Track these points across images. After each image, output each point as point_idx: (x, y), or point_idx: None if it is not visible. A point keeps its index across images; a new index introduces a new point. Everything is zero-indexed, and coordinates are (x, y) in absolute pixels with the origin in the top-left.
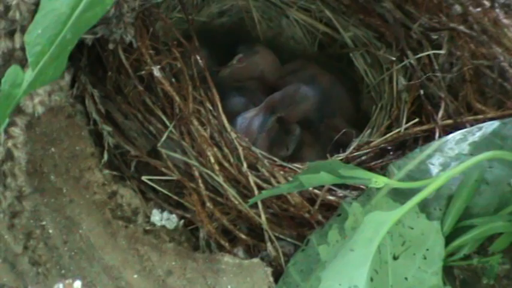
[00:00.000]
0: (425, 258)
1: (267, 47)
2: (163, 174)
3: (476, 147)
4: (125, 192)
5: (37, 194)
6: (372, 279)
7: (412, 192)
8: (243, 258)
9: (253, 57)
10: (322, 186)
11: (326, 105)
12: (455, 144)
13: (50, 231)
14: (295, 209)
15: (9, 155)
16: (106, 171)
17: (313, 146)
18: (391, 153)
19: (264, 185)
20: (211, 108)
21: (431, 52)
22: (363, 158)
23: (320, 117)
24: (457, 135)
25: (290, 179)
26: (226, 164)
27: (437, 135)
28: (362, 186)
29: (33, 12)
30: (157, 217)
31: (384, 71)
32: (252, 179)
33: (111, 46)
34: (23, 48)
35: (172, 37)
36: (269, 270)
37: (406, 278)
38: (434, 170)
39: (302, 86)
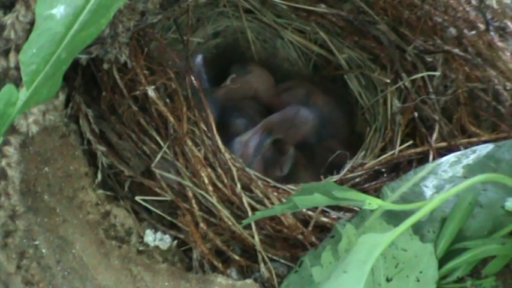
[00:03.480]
0: (418, 280)
1: (260, 66)
2: (157, 194)
3: (470, 170)
4: (119, 212)
5: (30, 214)
6: None
7: (406, 214)
8: (236, 279)
9: (247, 76)
10: (316, 208)
11: (324, 127)
12: (449, 166)
13: (43, 250)
14: (288, 230)
15: (2, 174)
16: (100, 191)
17: (307, 167)
18: (385, 175)
19: (258, 206)
20: (205, 128)
21: (425, 74)
22: (357, 180)
23: (317, 140)
24: (451, 157)
25: (284, 200)
26: (220, 185)
27: (431, 157)
28: (356, 208)
29: (28, 31)
30: (151, 237)
31: (378, 93)
32: (245, 200)
33: (105, 66)
34: (17, 67)
35: (167, 57)
36: None
37: None
38: (428, 192)
39: (302, 109)
